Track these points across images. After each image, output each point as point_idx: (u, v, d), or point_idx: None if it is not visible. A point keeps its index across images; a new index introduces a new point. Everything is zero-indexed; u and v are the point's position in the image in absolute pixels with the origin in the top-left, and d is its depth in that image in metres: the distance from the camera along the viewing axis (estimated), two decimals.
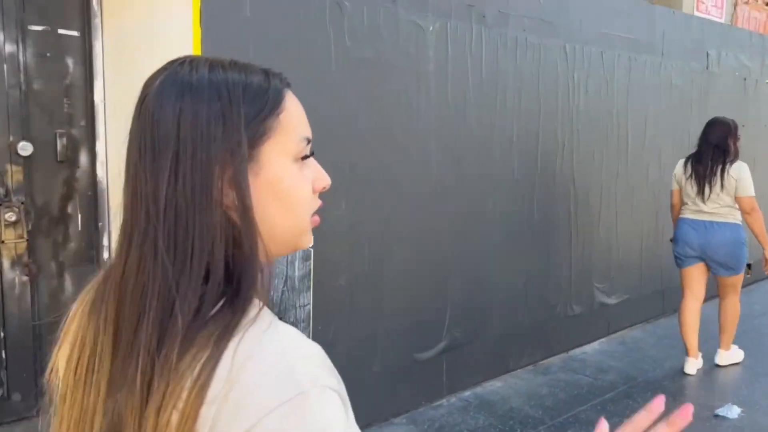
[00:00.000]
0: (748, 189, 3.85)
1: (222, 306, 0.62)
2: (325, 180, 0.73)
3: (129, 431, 0.60)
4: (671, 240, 4.17)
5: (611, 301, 4.75)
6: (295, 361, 0.60)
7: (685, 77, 5.22)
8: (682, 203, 4.04)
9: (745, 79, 5.99)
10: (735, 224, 3.92)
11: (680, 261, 4.08)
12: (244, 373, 0.58)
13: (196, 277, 0.62)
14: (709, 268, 4.01)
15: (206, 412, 0.57)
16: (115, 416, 0.61)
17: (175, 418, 0.58)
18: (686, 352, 4.07)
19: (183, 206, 0.62)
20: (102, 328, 0.65)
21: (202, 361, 0.58)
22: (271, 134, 0.66)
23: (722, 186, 3.83)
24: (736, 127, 3.95)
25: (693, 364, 4.04)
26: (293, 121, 0.69)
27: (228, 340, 0.60)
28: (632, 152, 4.83)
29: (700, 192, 3.89)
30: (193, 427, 0.57)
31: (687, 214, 4.00)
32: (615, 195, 4.71)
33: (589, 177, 4.45)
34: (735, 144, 3.91)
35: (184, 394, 0.58)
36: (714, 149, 3.87)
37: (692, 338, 4.02)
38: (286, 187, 0.68)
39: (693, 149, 4.07)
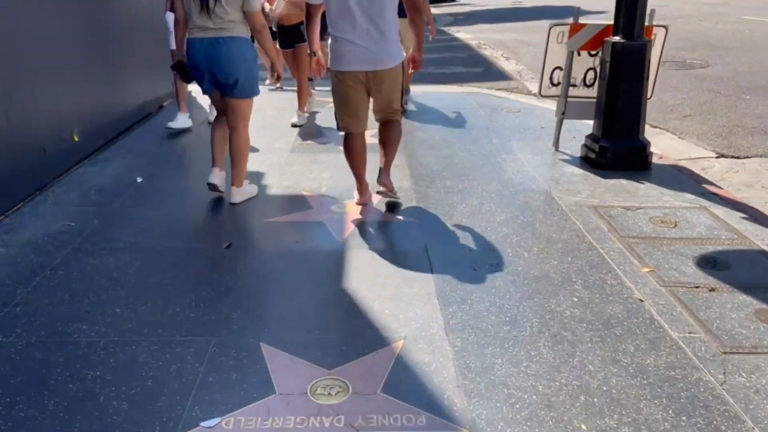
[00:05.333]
0: (255, 3, 3.63)
1: None
2: None
3: None
4: (172, 66, 3.95)
5: None
6: None
7: None
8: (187, 21, 3.67)
9: None
10: (243, 38, 3.67)
11: (201, 86, 3.83)
12: None
13: None
14: (220, 91, 3.79)
15: None
16: None
17: None
18: (212, 164, 4.00)
19: None
20: None
21: None
22: None
23: None
24: None
25: (217, 175, 3.96)
26: None
27: None
28: None
29: (204, 7, 3.54)
30: None
31: (194, 34, 3.64)
32: None
33: None
34: None
35: None
36: None
37: (219, 152, 3.98)
38: None
39: None
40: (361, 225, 3.62)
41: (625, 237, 3.47)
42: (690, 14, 15.88)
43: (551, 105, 6.75)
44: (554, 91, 4.99)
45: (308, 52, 3.72)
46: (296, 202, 3.99)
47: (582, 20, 4.83)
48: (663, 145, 5.48)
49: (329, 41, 3.58)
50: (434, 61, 10.13)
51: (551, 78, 4.95)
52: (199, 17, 3.56)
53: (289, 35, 5.94)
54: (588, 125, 5.27)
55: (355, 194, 3.93)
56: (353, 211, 3.82)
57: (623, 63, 4.47)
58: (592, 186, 4.28)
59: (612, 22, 4.63)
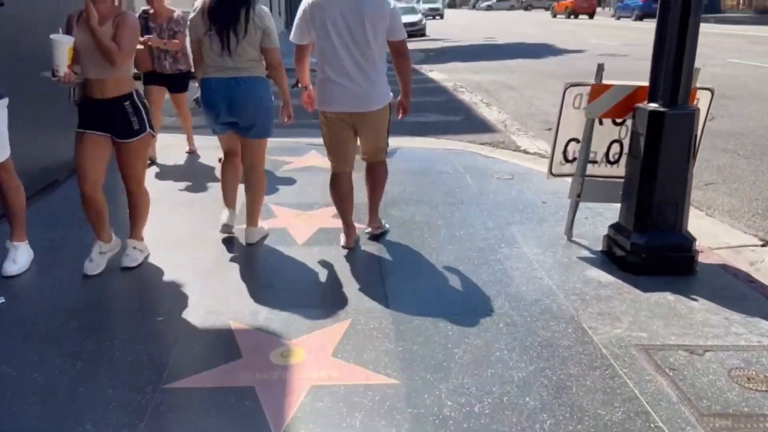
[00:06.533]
0: (275, 40, 3.53)
1: None
2: None
3: None
4: (195, 100, 3.82)
5: None
6: None
7: None
8: (204, 56, 3.54)
9: None
10: (262, 79, 3.59)
11: (213, 127, 3.72)
12: None
13: None
14: (236, 131, 3.67)
15: None
16: None
17: None
18: (226, 204, 3.92)
19: None
20: None
21: None
22: None
23: (246, 33, 3.40)
24: None
25: (230, 215, 3.90)
26: None
27: None
28: None
29: (226, 47, 3.41)
30: None
31: (210, 73, 3.53)
32: None
33: None
34: None
35: None
36: None
37: (232, 193, 3.91)
38: None
39: None
40: (314, 392, 2.40)
41: (706, 415, 2.32)
42: None
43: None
44: (568, 168, 3.90)
45: (300, 86, 3.73)
46: (218, 344, 2.74)
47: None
48: (692, 225, 4.40)
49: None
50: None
51: (565, 152, 3.85)
52: (220, 57, 3.44)
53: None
54: (608, 206, 4.20)
55: (342, 237, 3.85)
56: (301, 365, 2.59)
57: (664, 137, 3.39)
58: (632, 306, 3.15)
59: (645, 83, 3.58)
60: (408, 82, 3.61)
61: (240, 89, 3.48)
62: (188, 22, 3.60)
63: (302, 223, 4.23)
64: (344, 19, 3.32)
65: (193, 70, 5.32)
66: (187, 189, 5.06)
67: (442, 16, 46.20)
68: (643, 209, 3.53)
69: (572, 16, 42.17)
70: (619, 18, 38.06)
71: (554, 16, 44.46)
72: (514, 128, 7.78)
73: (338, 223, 4.15)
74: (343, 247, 3.80)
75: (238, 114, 3.54)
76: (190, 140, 6.17)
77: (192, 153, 6.15)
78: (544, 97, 9.75)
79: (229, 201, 3.93)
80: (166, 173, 5.49)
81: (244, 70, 3.48)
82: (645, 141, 3.46)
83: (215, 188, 4.98)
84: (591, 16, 41.71)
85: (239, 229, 4.05)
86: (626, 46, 18.01)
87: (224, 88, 3.48)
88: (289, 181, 5.20)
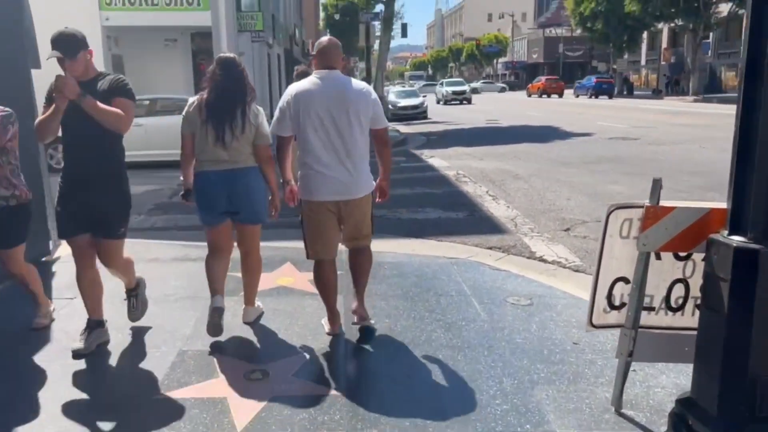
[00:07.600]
0: (268, 136, 3.64)
1: None
2: None
3: None
4: (183, 196, 3.74)
5: None
6: None
7: None
8: (197, 151, 3.57)
9: None
10: (256, 168, 3.65)
11: (207, 219, 3.68)
12: None
13: None
14: (233, 219, 3.72)
15: None
16: None
17: None
18: (214, 292, 3.73)
19: None
20: None
21: None
22: None
23: (242, 130, 3.50)
24: (242, 64, 3.64)
25: (222, 300, 3.72)
26: None
27: None
28: None
29: (220, 139, 3.47)
30: None
31: (207, 167, 3.55)
32: None
33: None
34: (249, 81, 3.62)
35: None
36: (233, 89, 3.50)
37: (221, 282, 3.77)
38: None
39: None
40: None
41: None
42: (685, 139, 14.53)
43: (573, 286, 4.66)
44: (615, 317, 2.83)
45: (282, 180, 3.63)
46: None
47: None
48: None
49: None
50: (406, 201, 8.14)
51: (610, 296, 2.80)
52: (213, 149, 3.49)
53: None
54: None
55: (325, 323, 3.84)
56: None
57: (760, 285, 2.34)
58: None
59: (721, 204, 2.57)
60: (388, 167, 3.71)
61: (238, 180, 3.56)
62: (184, 116, 3.56)
63: (250, 388, 3.12)
64: (328, 109, 3.35)
65: (30, 197, 3.74)
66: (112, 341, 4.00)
67: (469, 101, 38.66)
68: (732, 385, 2.43)
69: (544, 96, 46.55)
70: (578, 96, 43.71)
71: (529, 95, 49.04)
72: (526, 228, 6.78)
73: (297, 389, 3.11)
74: (328, 333, 3.76)
75: (238, 204, 3.61)
76: (42, 305, 3.99)
77: (40, 329, 3.86)
78: (556, 189, 8.81)
79: (219, 289, 3.76)
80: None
81: (239, 162, 3.57)
82: (730, 289, 2.40)
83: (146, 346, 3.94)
84: (560, 95, 46.08)
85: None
86: (635, 129, 17.36)
87: (222, 180, 3.53)
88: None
